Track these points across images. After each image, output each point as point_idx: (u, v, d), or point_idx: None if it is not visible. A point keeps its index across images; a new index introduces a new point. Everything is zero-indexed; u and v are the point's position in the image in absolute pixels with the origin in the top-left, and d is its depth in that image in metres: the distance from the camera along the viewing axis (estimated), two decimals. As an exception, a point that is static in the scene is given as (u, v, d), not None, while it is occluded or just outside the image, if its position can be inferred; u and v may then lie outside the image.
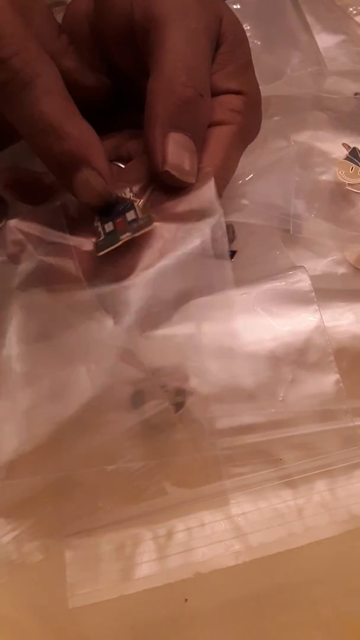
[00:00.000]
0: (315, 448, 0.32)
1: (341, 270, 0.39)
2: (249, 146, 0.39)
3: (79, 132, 0.30)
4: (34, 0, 0.33)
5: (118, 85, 0.37)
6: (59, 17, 0.39)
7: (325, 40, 0.53)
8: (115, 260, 0.31)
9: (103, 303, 0.31)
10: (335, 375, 0.33)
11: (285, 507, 0.32)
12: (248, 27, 0.52)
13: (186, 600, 0.30)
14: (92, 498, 0.32)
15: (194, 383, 0.32)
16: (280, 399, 0.33)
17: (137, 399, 0.32)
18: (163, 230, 0.31)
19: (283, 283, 0.36)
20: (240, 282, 0.36)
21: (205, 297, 0.34)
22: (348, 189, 0.41)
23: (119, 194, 0.32)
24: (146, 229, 0.31)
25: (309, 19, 0.54)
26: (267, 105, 0.46)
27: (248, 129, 0.35)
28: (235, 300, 0.35)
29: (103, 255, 0.31)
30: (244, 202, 0.41)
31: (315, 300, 0.34)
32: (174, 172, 0.31)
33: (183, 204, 0.32)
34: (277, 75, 0.49)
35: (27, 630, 0.29)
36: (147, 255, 0.31)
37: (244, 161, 0.42)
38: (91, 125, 0.32)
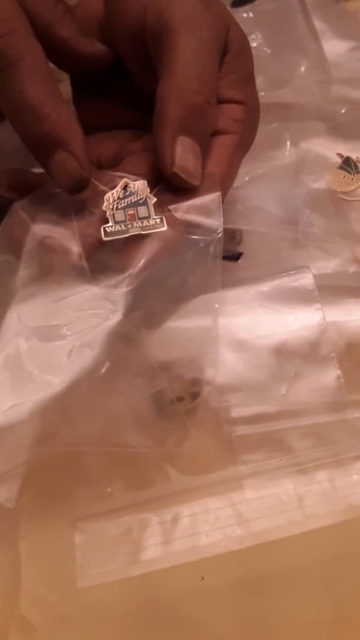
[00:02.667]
0: (325, 437, 0.33)
1: (352, 269, 0.40)
2: (249, 152, 0.41)
3: (57, 115, 0.31)
4: None
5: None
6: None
7: (336, 47, 0.54)
8: (118, 249, 0.32)
9: (103, 291, 0.32)
10: (336, 371, 0.34)
11: (286, 495, 0.33)
12: (259, 36, 0.54)
13: (203, 578, 0.31)
14: (102, 484, 0.33)
15: (209, 374, 0.34)
16: (283, 392, 0.34)
17: (159, 396, 0.34)
18: (169, 231, 0.33)
19: (287, 281, 0.37)
20: (246, 281, 0.38)
21: (216, 293, 0.35)
22: (340, 197, 0.42)
23: (135, 185, 0.33)
24: (156, 230, 0.32)
25: (321, 25, 0.55)
26: (266, 112, 0.48)
27: (247, 138, 0.37)
28: (242, 297, 0.37)
29: (108, 241, 0.32)
30: (247, 207, 0.43)
31: (319, 298, 0.36)
32: (181, 174, 0.32)
33: (189, 211, 0.33)
34: (284, 82, 0.50)
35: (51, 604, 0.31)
36: (150, 251, 0.32)
37: (245, 168, 0.44)
38: (93, 93, 0.35)
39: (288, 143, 0.45)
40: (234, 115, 0.35)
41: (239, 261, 0.42)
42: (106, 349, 0.31)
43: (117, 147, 0.38)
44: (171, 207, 0.33)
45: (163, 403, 0.34)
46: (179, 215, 0.33)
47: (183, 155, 0.32)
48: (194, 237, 0.33)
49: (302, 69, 0.51)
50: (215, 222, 0.33)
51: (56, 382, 0.30)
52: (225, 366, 0.34)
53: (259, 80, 0.38)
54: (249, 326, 0.36)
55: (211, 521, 0.32)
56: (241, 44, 0.36)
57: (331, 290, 0.38)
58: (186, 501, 0.33)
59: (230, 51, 0.35)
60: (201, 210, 0.33)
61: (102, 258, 0.33)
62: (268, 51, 0.53)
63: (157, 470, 0.33)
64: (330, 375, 0.34)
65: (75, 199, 0.33)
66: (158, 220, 0.32)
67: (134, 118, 0.38)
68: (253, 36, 0.54)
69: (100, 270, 0.32)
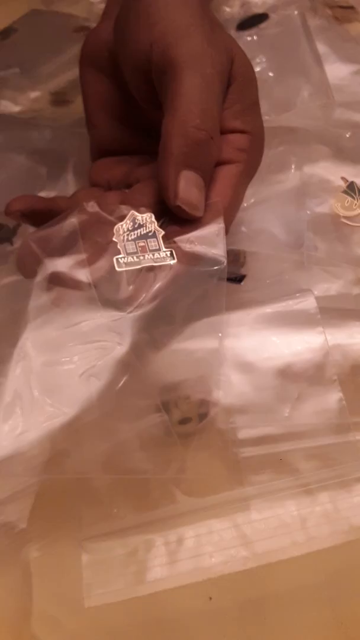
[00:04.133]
0: (329, 459, 0.34)
1: (356, 291, 0.41)
2: (255, 176, 0.42)
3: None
4: None
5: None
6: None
7: (339, 70, 0.55)
8: (128, 280, 0.33)
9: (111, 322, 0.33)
10: (338, 394, 0.35)
11: (290, 517, 0.33)
12: (263, 59, 0.54)
13: (210, 598, 0.32)
14: (108, 505, 0.34)
15: (217, 395, 0.34)
16: (286, 415, 0.35)
17: (165, 409, 0.34)
18: (176, 263, 0.34)
19: (290, 305, 0.38)
20: (249, 304, 0.39)
21: (220, 316, 0.36)
22: (342, 222, 0.43)
23: (142, 218, 0.34)
24: (166, 263, 0.33)
25: (325, 49, 0.56)
26: (272, 136, 0.49)
27: (252, 166, 0.37)
28: (246, 319, 0.37)
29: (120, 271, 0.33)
30: (252, 229, 0.43)
31: (321, 321, 0.36)
32: (184, 207, 0.33)
33: (194, 243, 0.34)
34: (288, 106, 0.51)
35: (61, 623, 0.31)
36: (159, 283, 0.33)
37: (250, 190, 0.44)
38: (106, 119, 0.38)
39: (293, 167, 0.46)
40: (238, 145, 0.36)
41: (242, 283, 0.42)
42: (112, 377, 0.32)
43: (127, 170, 0.39)
44: (177, 238, 0.34)
45: (170, 424, 0.35)
46: (185, 247, 0.34)
47: (186, 188, 0.33)
48: (200, 269, 0.34)
49: (305, 93, 0.51)
50: (219, 253, 0.34)
51: (65, 410, 0.31)
52: (232, 388, 0.35)
53: (263, 104, 0.38)
54: (253, 348, 0.36)
55: (215, 542, 0.33)
56: (246, 73, 0.37)
57: (334, 312, 0.39)
58: (191, 522, 0.33)
59: (235, 81, 0.36)
60: (205, 241, 0.34)
61: (110, 289, 0.33)
62: (272, 75, 0.54)
63: (162, 491, 0.34)
64: (333, 398, 0.35)
65: (83, 229, 0.34)
66: (168, 253, 0.34)
67: (144, 144, 0.40)
68: (257, 60, 0.55)
69: (108, 300, 0.33)
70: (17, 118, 0.55)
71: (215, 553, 0.33)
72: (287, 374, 0.36)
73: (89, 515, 0.33)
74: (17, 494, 0.32)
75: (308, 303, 0.37)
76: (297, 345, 0.36)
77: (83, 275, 0.33)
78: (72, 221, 0.34)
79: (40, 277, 0.33)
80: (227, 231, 0.34)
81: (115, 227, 0.34)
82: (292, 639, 0.31)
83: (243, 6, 0.65)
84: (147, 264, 0.33)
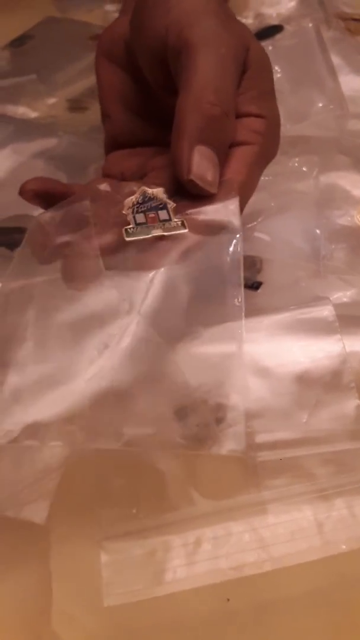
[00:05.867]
0: (345, 465, 0.34)
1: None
2: (274, 184, 0.42)
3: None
4: None
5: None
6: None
7: (353, 81, 0.56)
8: (139, 252, 0.33)
9: (120, 291, 0.33)
10: (356, 401, 0.35)
11: (306, 521, 0.34)
12: (278, 70, 0.55)
13: (228, 599, 0.32)
14: (127, 505, 0.34)
15: (234, 399, 0.35)
16: (304, 420, 0.35)
17: (182, 413, 0.35)
18: (189, 236, 0.33)
19: (308, 312, 0.38)
20: (266, 310, 0.39)
21: (238, 321, 0.36)
22: None
23: (152, 192, 0.34)
24: (178, 232, 0.33)
25: (339, 60, 0.57)
26: (292, 145, 0.49)
27: (268, 149, 0.37)
28: (263, 325, 0.38)
29: (130, 241, 0.33)
30: (270, 237, 0.44)
31: (339, 329, 0.37)
32: (197, 181, 0.33)
33: (207, 214, 0.34)
34: (302, 116, 0.51)
35: (81, 622, 0.31)
36: (171, 255, 0.33)
37: (270, 199, 0.45)
38: (122, 112, 0.38)
39: (314, 176, 0.46)
40: (254, 128, 0.36)
41: (258, 290, 0.43)
42: (130, 361, 0.32)
43: (141, 162, 0.39)
44: (189, 211, 0.34)
45: (188, 427, 0.35)
46: (198, 218, 0.34)
47: (200, 163, 0.33)
48: (214, 238, 0.33)
49: (320, 104, 0.52)
50: (234, 222, 0.33)
51: (82, 385, 0.31)
52: (250, 392, 0.35)
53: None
54: (271, 354, 0.37)
55: (233, 544, 0.33)
56: (261, 61, 0.37)
57: (350, 320, 0.39)
58: (208, 525, 0.34)
59: (250, 68, 0.36)
60: (219, 214, 0.34)
61: (120, 261, 0.33)
62: (287, 86, 0.54)
63: (181, 493, 0.34)
64: (350, 405, 0.35)
65: (95, 210, 0.34)
66: (179, 223, 0.33)
67: (159, 135, 0.40)
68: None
69: (118, 273, 0.33)
70: (35, 124, 0.55)
71: (233, 555, 0.33)
72: (305, 380, 0.36)
73: (108, 516, 0.34)
74: (39, 483, 0.32)
75: (326, 311, 0.37)
76: (315, 352, 0.37)
77: (92, 249, 0.33)
78: (85, 202, 0.35)
79: (49, 252, 0.33)
80: (240, 211, 0.34)
81: (125, 200, 0.34)
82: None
83: (258, 17, 0.66)
84: (157, 234, 0.33)
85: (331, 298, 0.39)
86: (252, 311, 0.39)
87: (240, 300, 0.33)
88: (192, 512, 0.34)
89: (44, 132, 0.52)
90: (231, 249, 0.33)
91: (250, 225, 0.44)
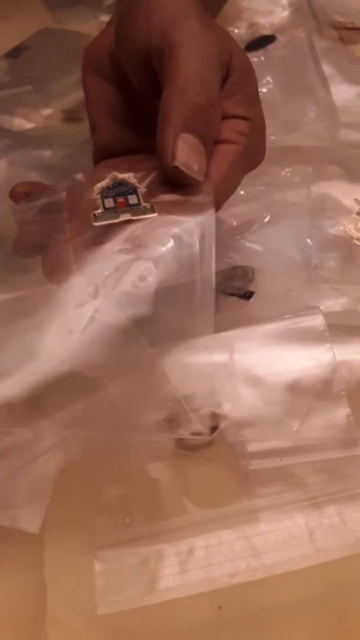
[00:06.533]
0: (336, 473, 0.35)
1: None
2: (266, 194, 0.43)
3: None
4: None
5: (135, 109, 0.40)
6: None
7: (344, 91, 0.56)
8: (107, 237, 0.33)
9: (87, 276, 0.32)
10: (346, 409, 0.36)
11: (298, 529, 0.34)
12: (270, 80, 0.56)
13: (220, 607, 0.32)
14: (120, 514, 0.34)
15: (227, 408, 0.35)
16: (295, 429, 0.36)
17: (173, 421, 0.35)
18: (159, 220, 0.33)
19: (298, 322, 0.39)
20: (257, 319, 0.40)
21: (230, 332, 0.37)
22: (355, 243, 0.43)
23: (123, 177, 0.34)
24: (146, 216, 0.33)
25: (330, 70, 0.57)
26: (284, 155, 0.50)
27: (252, 152, 0.37)
28: (254, 335, 0.38)
29: (98, 226, 0.33)
30: (262, 247, 0.44)
31: (330, 339, 0.37)
32: (183, 168, 0.32)
33: (179, 198, 0.33)
34: (294, 127, 0.52)
35: (75, 630, 0.32)
36: (139, 240, 0.32)
37: (262, 209, 0.45)
38: (111, 122, 0.38)
39: (306, 186, 0.47)
40: (238, 129, 0.36)
41: (250, 300, 0.43)
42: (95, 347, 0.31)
43: (129, 168, 0.39)
44: (162, 196, 0.33)
45: (181, 436, 0.35)
46: (167, 200, 0.33)
47: (185, 150, 0.32)
48: (186, 220, 0.32)
49: (311, 114, 0.53)
50: (209, 208, 0.33)
51: (42, 367, 0.30)
52: (241, 401, 0.36)
53: (269, 124, 0.39)
54: (262, 363, 0.37)
55: (225, 553, 0.34)
56: (245, 66, 0.37)
57: (341, 329, 0.39)
58: (201, 533, 0.34)
59: (235, 72, 0.36)
60: (194, 200, 0.33)
61: (89, 247, 0.33)
62: (279, 96, 0.55)
63: (174, 502, 0.35)
64: (341, 413, 0.36)
65: (71, 199, 0.34)
66: (149, 207, 0.33)
67: (147, 144, 0.39)
68: (264, 81, 0.56)
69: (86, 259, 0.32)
70: (30, 136, 0.56)
71: (225, 563, 0.33)
72: (296, 389, 0.36)
73: (102, 525, 0.34)
74: (33, 493, 0.32)
75: (317, 320, 0.38)
76: (306, 361, 0.37)
77: (65, 238, 0.33)
78: (61, 193, 0.35)
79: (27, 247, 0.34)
80: (216, 209, 0.34)
81: (95, 185, 0.34)
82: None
83: (251, 27, 0.66)
84: (125, 218, 0.32)
85: (322, 307, 0.40)
86: (244, 320, 0.39)
87: (212, 286, 0.33)
88: (185, 520, 0.34)
89: (38, 144, 0.53)
90: (205, 232, 0.33)
91: (242, 235, 0.45)
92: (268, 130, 0.39)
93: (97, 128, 0.42)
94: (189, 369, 0.36)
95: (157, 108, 0.34)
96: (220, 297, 0.42)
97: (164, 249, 0.32)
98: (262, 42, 0.63)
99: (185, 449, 0.35)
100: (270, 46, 0.63)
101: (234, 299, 0.42)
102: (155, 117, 0.34)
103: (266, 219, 0.45)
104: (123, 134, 0.41)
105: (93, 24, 0.70)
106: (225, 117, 0.36)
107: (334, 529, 0.34)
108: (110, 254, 0.32)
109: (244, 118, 0.36)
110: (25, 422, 0.33)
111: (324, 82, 0.55)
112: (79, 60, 0.62)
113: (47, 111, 0.59)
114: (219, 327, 0.38)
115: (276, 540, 0.34)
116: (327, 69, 0.57)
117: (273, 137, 0.49)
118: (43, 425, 0.34)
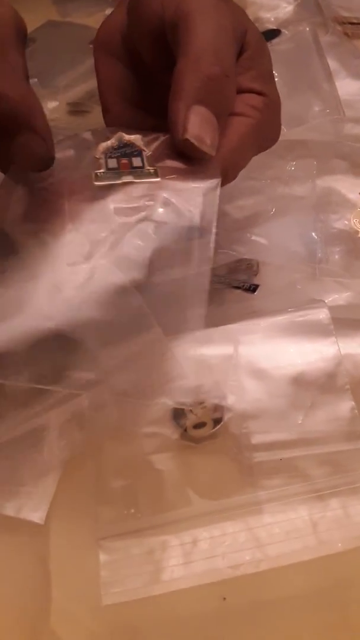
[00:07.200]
0: (340, 465, 0.35)
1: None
2: (271, 188, 0.42)
3: (19, 95, 0.30)
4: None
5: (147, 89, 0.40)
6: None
7: (349, 86, 0.57)
8: (106, 198, 0.32)
9: (82, 234, 0.31)
10: (350, 402, 0.36)
11: (301, 521, 0.34)
12: (276, 74, 0.55)
13: (224, 598, 0.32)
14: (124, 505, 0.35)
15: (231, 400, 0.35)
16: (299, 422, 0.36)
17: (178, 413, 0.35)
18: (161, 185, 0.32)
19: (303, 315, 0.39)
20: (262, 313, 0.40)
21: (234, 325, 0.37)
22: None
23: (129, 139, 0.33)
24: (150, 179, 0.32)
25: (335, 64, 0.57)
26: (289, 149, 0.50)
27: (265, 128, 0.36)
28: (259, 327, 0.38)
29: (98, 186, 0.32)
30: (267, 240, 0.45)
31: (334, 332, 0.37)
32: (193, 141, 0.31)
33: (185, 166, 0.32)
34: (299, 121, 0.52)
35: (80, 621, 0.32)
36: (140, 204, 0.32)
37: (267, 203, 0.45)
38: (121, 102, 0.36)
39: (311, 180, 0.47)
40: (252, 103, 0.35)
41: (255, 293, 0.43)
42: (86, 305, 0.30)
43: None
44: (167, 161, 0.32)
45: (186, 428, 0.36)
46: (175, 167, 0.32)
47: (197, 122, 0.31)
48: (190, 187, 0.31)
49: (316, 108, 0.53)
50: (213, 178, 0.32)
51: (29, 323, 0.29)
52: (246, 394, 0.36)
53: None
54: (267, 356, 0.37)
55: (229, 544, 0.34)
56: (259, 42, 0.37)
57: (345, 322, 0.40)
58: (205, 524, 0.34)
59: (249, 49, 0.36)
60: (200, 169, 0.32)
61: (87, 205, 0.32)
62: (284, 90, 0.55)
63: (178, 493, 0.35)
64: (345, 407, 0.36)
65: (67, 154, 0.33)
66: (152, 170, 0.32)
67: (159, 125, 0.40)
68: (269, 75, 0.56)
69: (83, 217, 0.32)
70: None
71: (229, 555, 0.33)
72: (300, 382, 0.36)
73: (107, 516, 0.34)
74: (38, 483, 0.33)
75: (321, 313, 0.38)
76: (310, 354, 0.37)
77: (63, 194, 0.32)
78: (70, 151, 0.34)
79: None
80: (224, 182, 0.33)
81: (100, 144, 0.33)
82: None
83: (256, 22, 0.66)
84: (127, 180, 0.32)
85: (327, 301, 0.40)
86: (249, 313, 0.40)
87: (210, 254, 0.32)
88: (190, 512, 0.35)
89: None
90: (207, 199, 0.32)
91: (247, 229, 0.45)
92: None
93: (109, 109, 0.41)
94: (193, 361, 0.37)
95: (170, 87, 0.33)
96: (224, 290, 0.42)
97: (163, 215, 0.31)
98: (267, 36, 0.63)
99: (190, 440, 0.36)
100: (275, 40, 0.63)
101: (238, 291, 0.42)
102: (168, 98, 0.33)
103: (271, 213, 0.45)
104: (135, 115, 0.40)
105: (98, 17, 0.70)
106: (239, 91, 0.35)
107: (337, 522, 0.34)
108: (108, 216, 0.31)
109: (259, 93, 0.36)
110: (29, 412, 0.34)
111: (329, 77, 0.55)
112: (84, 53, 0.62)
113: (52, 104, 0.60)
114: (224, 320, 0.38)
115: (280, 532, 0.34)
116: (332, 64, 0.57)
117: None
118: (48, 415, 0.34)
